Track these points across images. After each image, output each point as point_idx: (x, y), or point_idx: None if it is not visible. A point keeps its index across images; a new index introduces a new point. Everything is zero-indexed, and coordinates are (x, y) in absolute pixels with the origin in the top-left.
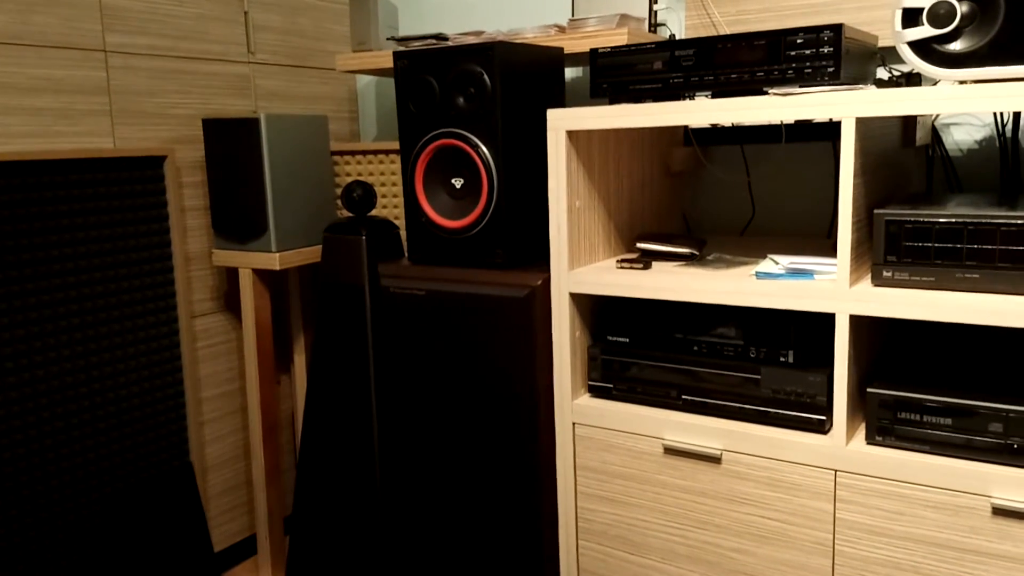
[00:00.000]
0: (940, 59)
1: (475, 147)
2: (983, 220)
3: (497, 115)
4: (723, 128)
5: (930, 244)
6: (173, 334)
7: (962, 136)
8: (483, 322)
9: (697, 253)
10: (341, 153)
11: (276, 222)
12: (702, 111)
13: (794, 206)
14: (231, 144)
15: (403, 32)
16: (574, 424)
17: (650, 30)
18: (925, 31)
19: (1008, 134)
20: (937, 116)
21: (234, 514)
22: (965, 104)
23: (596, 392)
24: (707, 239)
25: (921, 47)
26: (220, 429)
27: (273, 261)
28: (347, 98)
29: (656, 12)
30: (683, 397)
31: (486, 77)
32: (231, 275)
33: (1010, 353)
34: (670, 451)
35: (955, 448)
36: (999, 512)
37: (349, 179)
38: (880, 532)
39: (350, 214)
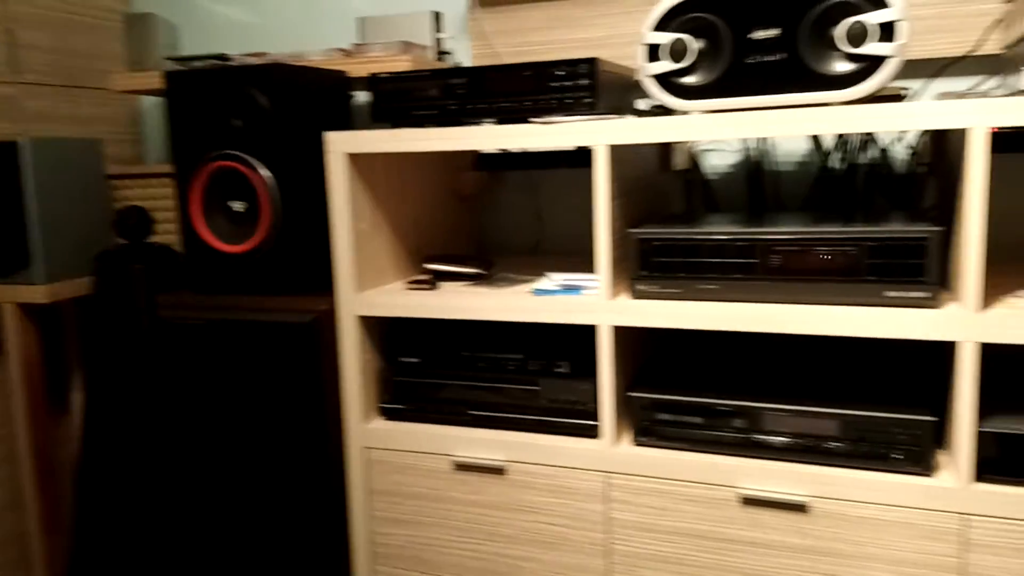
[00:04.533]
0: (679, 91)
1: (254, 169)
2: (716, 237)
3: (276, 137)
4: (512, 153)
5: (675, 259)
6: None
7: (717, 161)
8: (270, 350)
9: (484, 273)
10: (121, 177)
11: (43, 252)
12: (473, 137)
13: (579, 226)
14: None
15: (187, 52)
16: (367, 449)
17: (438, 58)
18: (665, 66)
19: (754, 158)
20: (695, 143)
21: (9, 570)
22: (699, 132)
23: (389, 414)
24: (497, 259)
25: (663, 80)
26: None
27: (39, 294)
28: (129, 120)
29: (441, 41)
30: (471, 412)
31: (263, 98)
32: None
33: (754, 355)
34: (459, 467)
35: (707, 444)
36: (747, 501)
37: (131, 204)
38: (649, 528)
39: (125, 241)
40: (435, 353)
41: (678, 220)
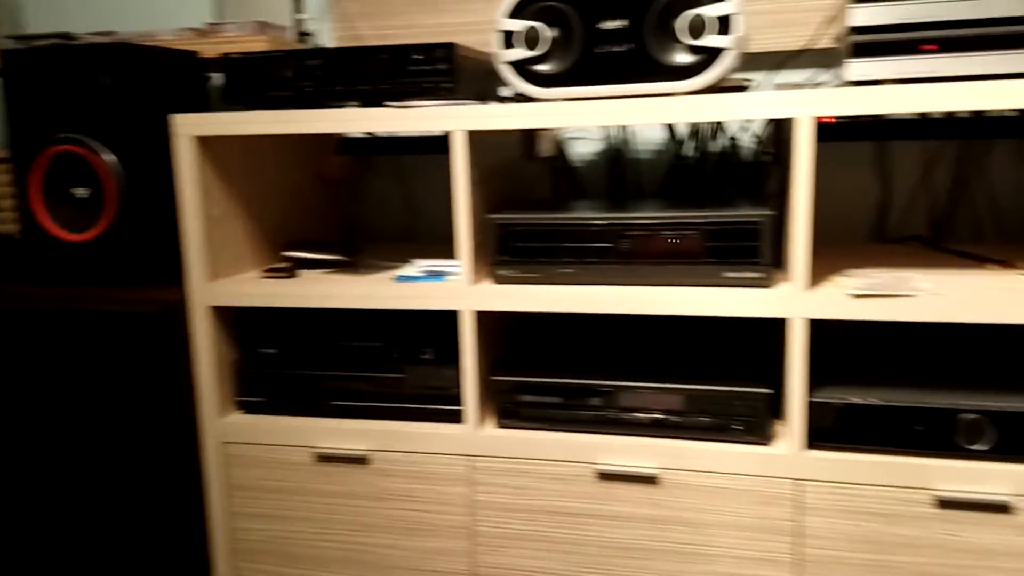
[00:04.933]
0: (534, 78)
1: (97, 153)
2: (570, 222)
3: (121, 120)
4: (379, 138)
5: (533, 244)
6: None
7: (583, 148)
8: (119, 343)
9: (348, 260)
10: None
11: None
12: (326, 120)
13: (449, 213)
14: None
15: (32, 31)
16: (225, 444)
17: (298, 40)
18: (520, 53)
19: (615, 146)
20: (560, 130)
21: None
22: (551, 119)
23: (248, 408)
24: (367, 246)
25: (518, 67)
26: None
27: None
28: None
29: (302, 22)
30: (333, 403)
31: (107, 79)
32: None
33: (611, 335)
34: (321, 458)
35: (566, 423)
36: (603, 476)
37: None
38: (511, 508)
39: None
40: (295, 343)
41: (538, 206)
